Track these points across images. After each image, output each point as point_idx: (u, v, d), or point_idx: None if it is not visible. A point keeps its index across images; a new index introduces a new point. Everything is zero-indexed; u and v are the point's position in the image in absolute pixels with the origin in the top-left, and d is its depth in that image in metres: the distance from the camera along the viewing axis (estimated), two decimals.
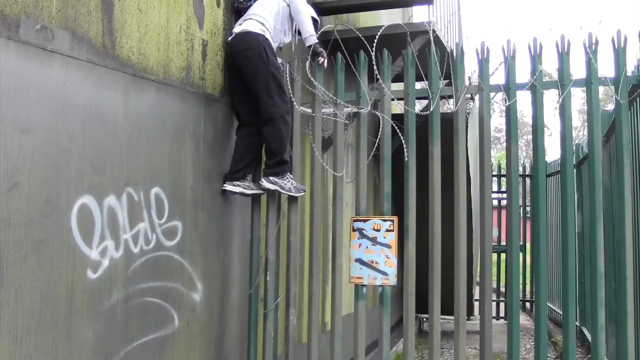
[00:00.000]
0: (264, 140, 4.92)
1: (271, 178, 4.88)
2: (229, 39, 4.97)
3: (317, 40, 4.95)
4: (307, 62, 4.98)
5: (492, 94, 4.83)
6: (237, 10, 5.19)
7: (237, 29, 4.97)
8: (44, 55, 3.30)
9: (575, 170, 6.69)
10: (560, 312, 10.07)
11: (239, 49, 4.89)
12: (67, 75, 3.43)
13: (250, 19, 4.97)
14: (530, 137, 30.96)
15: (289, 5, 5.09)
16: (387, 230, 4.79)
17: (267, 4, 5.04)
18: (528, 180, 11.96)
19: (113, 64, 3.78)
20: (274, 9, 5.04)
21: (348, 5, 6.70)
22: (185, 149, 4.49)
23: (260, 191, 5.01)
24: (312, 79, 4.99)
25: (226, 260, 4.97)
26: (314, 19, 5.09)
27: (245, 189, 4.93)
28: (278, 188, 4.89)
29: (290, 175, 4.96)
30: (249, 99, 4.96)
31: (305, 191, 5.05)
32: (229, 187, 4.87)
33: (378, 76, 4.90)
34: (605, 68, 4.73)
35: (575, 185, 6.11)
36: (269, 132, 4.82)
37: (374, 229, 4.81)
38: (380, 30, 4.84)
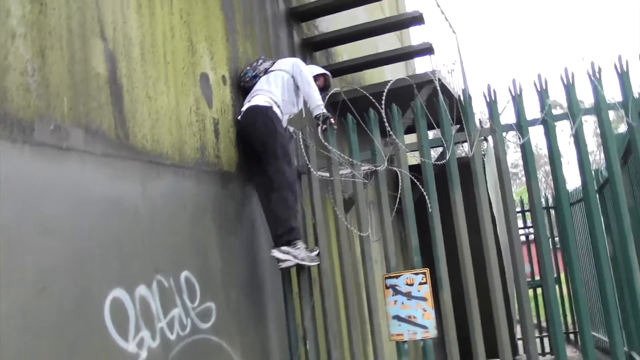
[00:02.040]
0: (272, 208, 4.87)
1: (283, 248, 4.78)
2: (239, 117, 5.02)
3: (324, 110, 4.97)
4: (319, 127, 4.97)
5: (505, 134, 4.80)
6: (243, 89, 5.25)
7: (245, 106, 5.02)
8: (60, 154, 3.26)
9: (597, 195, 6.59)
10: (607, 340, 9.76)
11: (247, 123, 4.95)
12: (83, 170, 3.41)
13: (258, 94, 5.05)
14: (548, 167, 30.71)
15: (293, 77, 5.17)
16: (421, 284, 4.68)
17: (272, 78, 5.13)
18: (552, 212, 11.80)
19: (128, 154, 3.77)
20: (279, 82, 5.13)
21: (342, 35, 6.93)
22: (208, 229, 4.45)
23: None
24: (325, 143, 4.97)
25: (263, 335, 4.87)
26: (324, 74, 5.17)
27: (300, 259, 4.80)
28: (291, 258, 4.76)
29: (302, 242, 4.88)
30: (263, 170, 4.97)
31: (319, 260, 4.96)
32: (276, 254, 4.77)
33: (390, 131, 4.87)
34: (613, 90, 4.74)
35: (600, 210, 6.03)
36: (276, 198, 4.80)
37: (407, 284, 4.71)
38: (387, 86, 4.84)
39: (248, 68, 5.29)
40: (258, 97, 5.03)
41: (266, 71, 5.27)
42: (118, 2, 3.93)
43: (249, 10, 5.76)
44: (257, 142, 4.92)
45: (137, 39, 4.06)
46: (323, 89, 5.35)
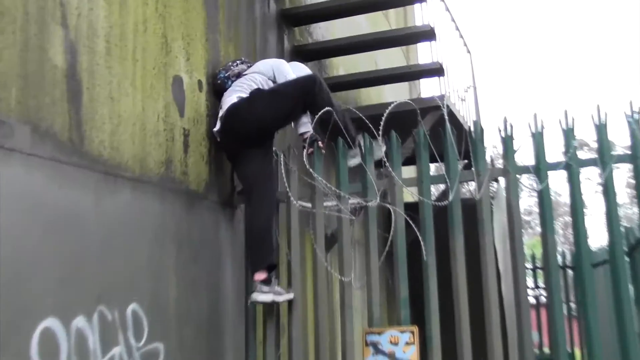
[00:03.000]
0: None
1: (264, 287, 4.82)
2: (216, 128, 5.08)
3: (311, 130, 5.09)
4: (304, 149, 5.01)
5: (519, 176, 4.81)
6: (215, 91, 5.31)
7: (221, 113, 5.10)
8: (1, 154, 3.24)
9: (627, 258, 6.38)
10: None
11: (235, 122, 5.06)
12: (28, 175, 3.38)
13: (227, 99, 5.15)
14: (567, 218, 30.30)
15: (272, 81, 5.28)
16: (407, 344, 4.64)
17: (244, 82, 5.21)
18: (570, 272, 11.63)
19: (82, 161, 3.76)
20: (253, 86, 5.19)
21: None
22: (167, 256, 4.45)
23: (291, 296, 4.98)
24: (310, 169, 5.00)
25: None
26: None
27: (276, 294, 4.87)
28: (274, 297, 4.83)
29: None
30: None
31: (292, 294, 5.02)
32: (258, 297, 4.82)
33: (386, 162, 4.89)
34: None
35: (629, 276, 5.90)
36: (261, 217, 4.92)
37: (391, 342, 4.65)
38: (388, 109, 4.83)
39: (221, 69, 5.37)
40: (232, 97, 5.11)
41: (239, 75, 5.34)
42: None
43: (235, 9, 5.83)
44: (252, 133, 5.04)
45: (103, 30, 4.05)
46: None
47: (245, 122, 5.02)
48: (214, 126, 5.12)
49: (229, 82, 5.28)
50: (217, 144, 5.17)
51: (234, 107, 5.03)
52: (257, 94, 5.11)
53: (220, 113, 5.08)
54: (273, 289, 4.83)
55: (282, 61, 5.46)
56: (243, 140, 5.05)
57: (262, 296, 4.78)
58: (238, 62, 5.43)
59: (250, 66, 5.43)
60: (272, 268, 4.88)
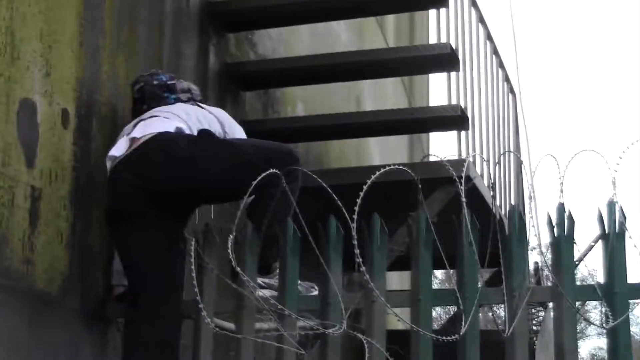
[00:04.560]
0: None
1: None
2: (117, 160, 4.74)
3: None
4: (231, 236, 4.39)
5: (580, 304, 4.20)
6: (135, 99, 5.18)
7: (136, 134, 4.79)
8: None
9: None
10: None
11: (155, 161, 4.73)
12: None
13: (167, 118, 4.91)
14: None
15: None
16: None
17: (201, 117, 5.08)
18: None
19: None
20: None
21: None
22: None
23: None
24: (236, 267, 4.32)
25: None
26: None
27: None
28: None
29: None
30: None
31: None
32: None
33: (361, 265, 4.27)
34: None
35: None
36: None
37: None
38: (370, 180, 4.25)
39: (161, 71, 5.26)
40: (166, 122, 4.84)
41: (191, 99, 5.23)
42: None
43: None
44: (176, 191, 4.73)
45: None
46: None
47: (174, 170, 4.68)
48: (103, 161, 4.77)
49: (169, 97, 5.13)
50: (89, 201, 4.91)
51: (166, 139, 4.74)
52: (209, 138, 4.90)
53: (133, 134, 4.78)
54: None
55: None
56: (155, 195, 4.68)
57: None
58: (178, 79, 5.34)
59: (202, 100, 5.36)
60: None
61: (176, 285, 4.72)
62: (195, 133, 4.87)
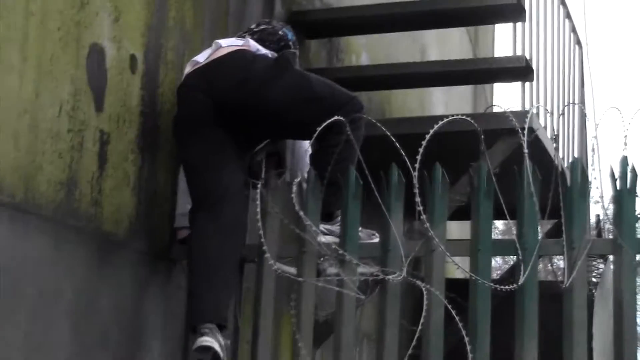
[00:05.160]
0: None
1: (218, 335, 4.47)
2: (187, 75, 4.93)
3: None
4: (295, 183, 4.61)
5: None
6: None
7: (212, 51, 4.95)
8: None
9: None
10: None
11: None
12: None
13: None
14: None
15: None
16: None
17: None
18: None
19: None
20: None
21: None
22: (56, 335, 4.10)
23: None
24: (300, 212, 4.51)
25: None
26: None
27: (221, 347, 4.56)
28: (219, 350, 4.47)
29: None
30: None
31: None
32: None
33: (422, 213, 4.38)
34: None
35: None
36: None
37: None
38: (433, 130, 4.34)
39: (289, 28, 5.44)
40: (253, 44, 4.97)
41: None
42: None
43: None
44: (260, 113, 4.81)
45: None
46: None
47: (245, 87, 4.80)
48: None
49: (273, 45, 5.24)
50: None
51: (246, 56, 4.91)
52: (286, 64, 4.94)
53: (220, 42, 4.99)
54: (219, 339, 4.58)
55: None
56: (224, 109, 4.79)
57: (217, 344, 4.50)
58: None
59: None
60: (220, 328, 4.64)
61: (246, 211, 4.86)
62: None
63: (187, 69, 4.90)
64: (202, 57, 4.88)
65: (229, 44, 4.93)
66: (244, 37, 5.17)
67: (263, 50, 5.01)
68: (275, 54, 5.05)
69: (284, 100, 4.80)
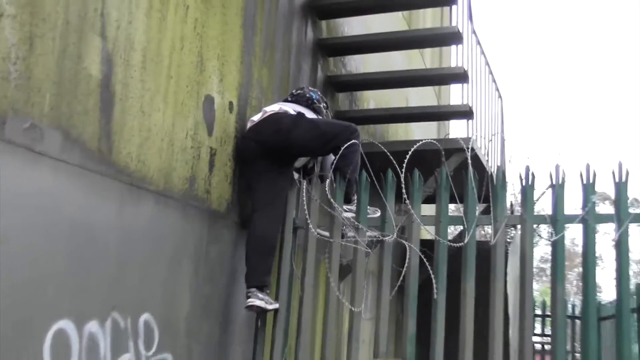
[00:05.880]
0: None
1: (259, 294, 4.87)
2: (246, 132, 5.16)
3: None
4: (327, 180, 5.05)
5: (536, 226, 4.74)
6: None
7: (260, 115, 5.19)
8: (31, 157, 3.20)
9: (635, 315, 6.39)
10: None
11: (270, 130, 5.12)
12: (55, 181, 3.35)
13: (282, 106, 5.32)
14: (582, 269, 29.84)
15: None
16: None
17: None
18: (578, 322, 11.46)
19: (108, 171, 3.72)
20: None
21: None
22: (183, 272, 4.42)
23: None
24: (332, 200, 4.99)
25: None
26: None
27: (267, 303, 4.92)
28: (266, 305, 4.90)
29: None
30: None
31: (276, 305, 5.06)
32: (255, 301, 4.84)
33: (407, 199, 4.85)
34: None
35: (634, 333, 5.81)
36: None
37: None
38: (413, 148, 4.81)
39: (316, 91, 5.67)
40: (286, 107, 5.26)
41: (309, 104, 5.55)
42: None
43: (271, 33, 5.81)
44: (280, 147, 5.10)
45: (140, 44, 4.03)
46: None
47: (278, 135, 5.08)
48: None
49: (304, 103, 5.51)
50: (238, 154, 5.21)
51: (279, 116, 5.17)
52: (301, 117, 5.22)
53: (267, 108, 5.27)
54: (265, 298, 4.87)
55: None
56: (265, 149, 5.08)
57: (258, 301, 4.82)
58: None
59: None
60: (261, 288, 4.92)
61: (282, 203, 5.16)
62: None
63: (248, 124, 5.20)
64: (256, 117, 5.19)
65: (270, 109, 5.20)
66: (287, 99, 5.51)
67: (298, 108, 5.32)
68: (306, 109, 5.41)
69: (302, 139, 5.11)
